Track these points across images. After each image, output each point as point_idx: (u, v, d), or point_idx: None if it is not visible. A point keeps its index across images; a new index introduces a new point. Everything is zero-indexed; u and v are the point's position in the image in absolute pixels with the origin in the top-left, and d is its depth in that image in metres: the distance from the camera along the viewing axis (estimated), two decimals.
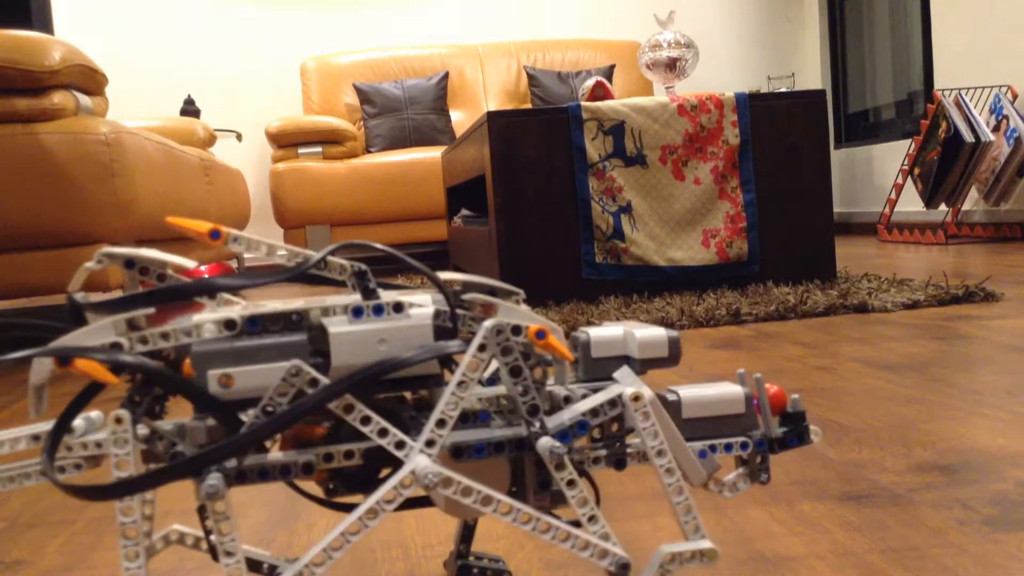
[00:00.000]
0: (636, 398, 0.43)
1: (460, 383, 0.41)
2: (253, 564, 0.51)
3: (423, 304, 0.43)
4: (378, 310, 0.42)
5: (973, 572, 0.55)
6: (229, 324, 0.41)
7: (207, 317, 0.41)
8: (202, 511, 0.49)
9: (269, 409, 0.40)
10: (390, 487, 0.40)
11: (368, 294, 0.42)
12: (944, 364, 1.17)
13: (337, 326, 0.41)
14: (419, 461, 0.40)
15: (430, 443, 0.41)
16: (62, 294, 1.94)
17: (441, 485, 0.40)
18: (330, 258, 0.43)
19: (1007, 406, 0.94)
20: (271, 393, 0.40)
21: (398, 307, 0.42)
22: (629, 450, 0.46)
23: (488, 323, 0.41)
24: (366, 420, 0.41)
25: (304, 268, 0.43)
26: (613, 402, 0.43)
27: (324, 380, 0.40)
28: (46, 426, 0.43)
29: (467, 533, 0.54)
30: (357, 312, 0.42)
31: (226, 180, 3.20)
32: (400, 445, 0.41)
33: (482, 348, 0.41)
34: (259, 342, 0.41)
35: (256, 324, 0.41)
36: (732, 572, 0.57)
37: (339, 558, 0.62)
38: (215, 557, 0.50)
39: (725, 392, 0.47)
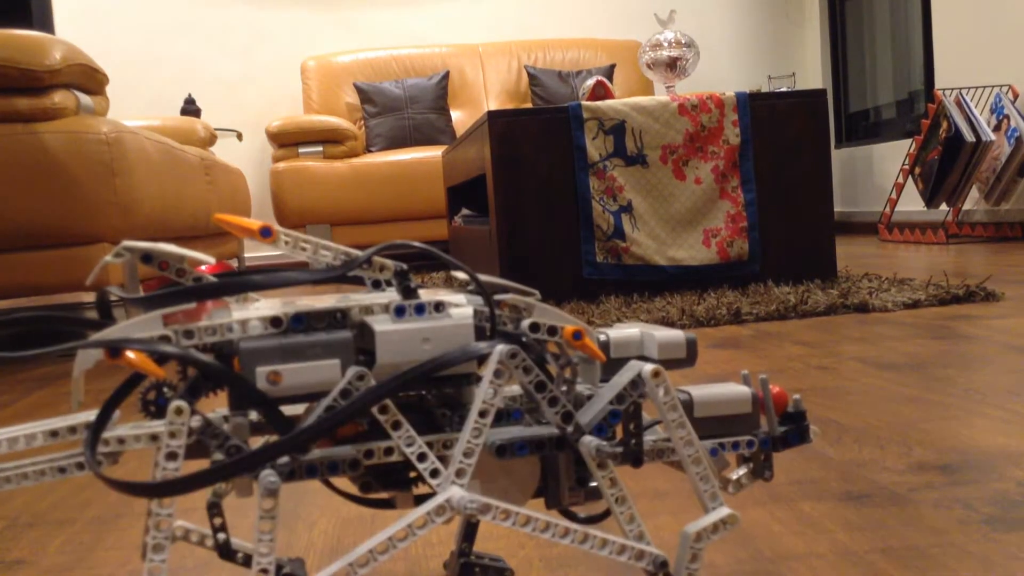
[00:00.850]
0: (656, 374, 0.43)
1: (482, 412, 0.41)
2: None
3: (460, 304, 0.43)
4: (420, 309, 0.42)
5: (974, 571, 0.55)
6: (275, 321, 0.41)
7: (253, 314, 0.41)
8: (211, 508, 0.49)
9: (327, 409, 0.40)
10: (422, 513, 0.40)
11: (408, 293, 0.43)
12: (945, 364, 1.17)
13: (382, 325, 0.41)
14: (455, 492, 0.40)
15: (460, 473, 0.41)
16: (62, 293, 1.94)
17: (480, 513, 0.40)
18: (374, 258, 0.44)
19: (1007, 405, 0.94)
20: (335, 393, 0.40)
21: (439, 307, 0.42)
22: (645, 447, 0.46)
23: (501, 347, 0.41)
24: (410, 440, 0.41)
25: (351, 266, 0.43)
26: (635, 382, 0.44)
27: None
28: (59, 422, 0.43)
29: (469, 532, 0.54)
30: (400, 311, 0.42)
31: (226, 179, 3.20)
32: (435, 473, 0.41)
33: (498, 374, 0.41)
34: (306, 339, 0.41)
35: (300, 322, 0.41)
36: (732, 571, 0.57)
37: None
38: (222, 555, 0.50)
39: (733, 392, 0.48)
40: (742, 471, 0.49)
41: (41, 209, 1.85)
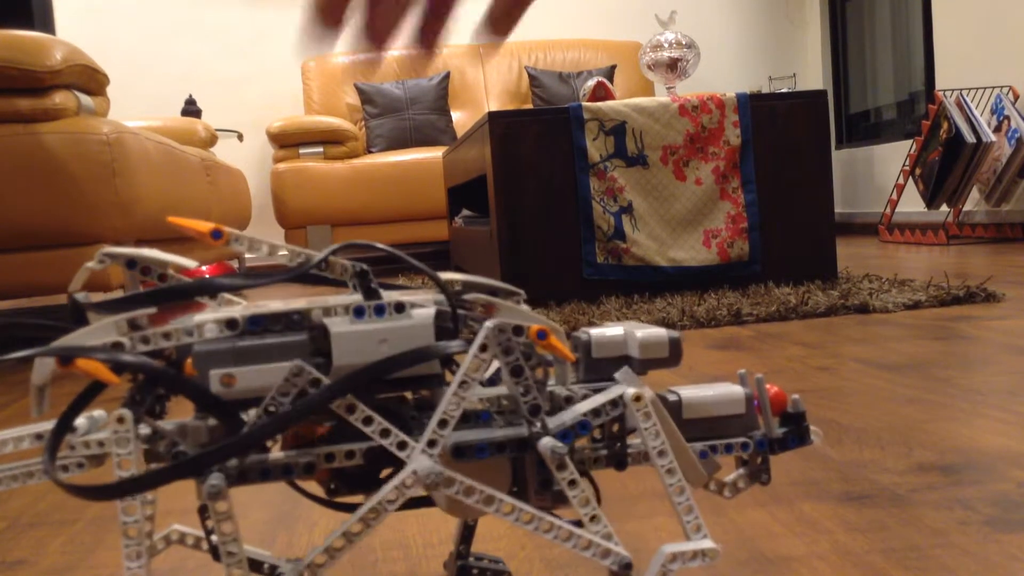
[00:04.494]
0: (638, 398, 0.43)
1: (462, 383, 0.41)
2: (254, 564, 0.51)
3: (424, 304, 0.43)
4: (380, 310, 0.42)
5: (974, 572, 0.55)
6: (231, 324, 0.41)
7: (209, 317, 0.41)
8: (203, 511, 0.49)
9: (271, 409, 0.40)
10: (392, 487, 0.40)
11: (370, 294, 0.42)
12: (945, 364, 1.17)
13: (339, 326, 0.41)
14: (421, 461, 0.40)
15: (432, 443, 0.41)
16: (63, 294, 1.94)
17: (443, 485, 0.40)
18: (332, 258, 0.43)
19: (1008, 406, 0.94)
20: (273, 393, 0.40)
21: (399, 307, 0.42)
22: (630, 450, 0.46)
23: (489, 323, 0.41)
24: (368, 420, 0.41)
25: (306, 268, 0.43)
26: (615, 402, 0.43)
27: (325, 380, 0.40)
28: (49, 425, 0.43)
29: (467, 533, 0.54)
30: (359, 312, 0.42)
31: (227, 180, 3.20)
32: (402, 445, 0.41)
33: (483, 348, 0.41)
34: (261, 342, 0.41)
35: (258, 324, 0.41)
36: (732, 572, 0.57)
37: (341, 558, 0.62)
38: (216, 557, 0.50)
39: (725, 393, 0.47)
40: (738, 475, 0.49)
41: (41, 209, 1.85)
